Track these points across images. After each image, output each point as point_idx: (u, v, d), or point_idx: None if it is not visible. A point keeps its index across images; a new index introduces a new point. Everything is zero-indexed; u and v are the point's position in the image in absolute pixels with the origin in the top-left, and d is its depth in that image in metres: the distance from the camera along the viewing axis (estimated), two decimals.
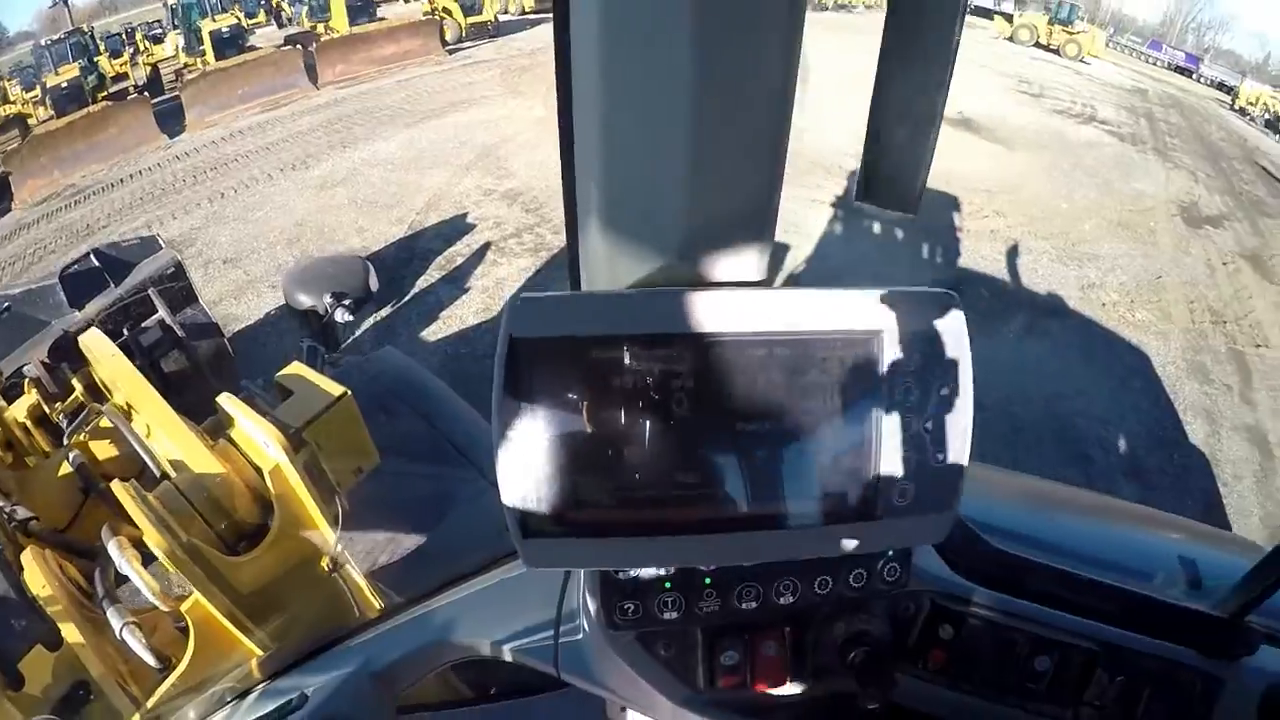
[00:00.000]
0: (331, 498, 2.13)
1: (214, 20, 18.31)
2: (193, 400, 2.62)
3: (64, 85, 15.89)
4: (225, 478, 2.08)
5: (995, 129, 13.49)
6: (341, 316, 2.97)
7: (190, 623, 1.86)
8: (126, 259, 5.34)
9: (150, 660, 1.80)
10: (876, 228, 9.12)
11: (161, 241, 5.67)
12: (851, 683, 0.96)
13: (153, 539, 1.81)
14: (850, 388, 0.74)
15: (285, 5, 24.05)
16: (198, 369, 5.06)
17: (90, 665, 1.82)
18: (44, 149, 12.55)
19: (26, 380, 3.64)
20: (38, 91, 16.35)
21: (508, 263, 7.89)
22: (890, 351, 0.75)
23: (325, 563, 2.15)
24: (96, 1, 32.22)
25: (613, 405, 0.71)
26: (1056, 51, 23.73)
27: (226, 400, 2.17)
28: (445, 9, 18.59)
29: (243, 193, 10.38)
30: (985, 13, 26.83)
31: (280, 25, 23.40)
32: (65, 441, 2.63)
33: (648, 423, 0.72)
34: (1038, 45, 24.24)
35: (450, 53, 17.29)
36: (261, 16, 23.81)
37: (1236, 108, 23.92)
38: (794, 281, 5.47)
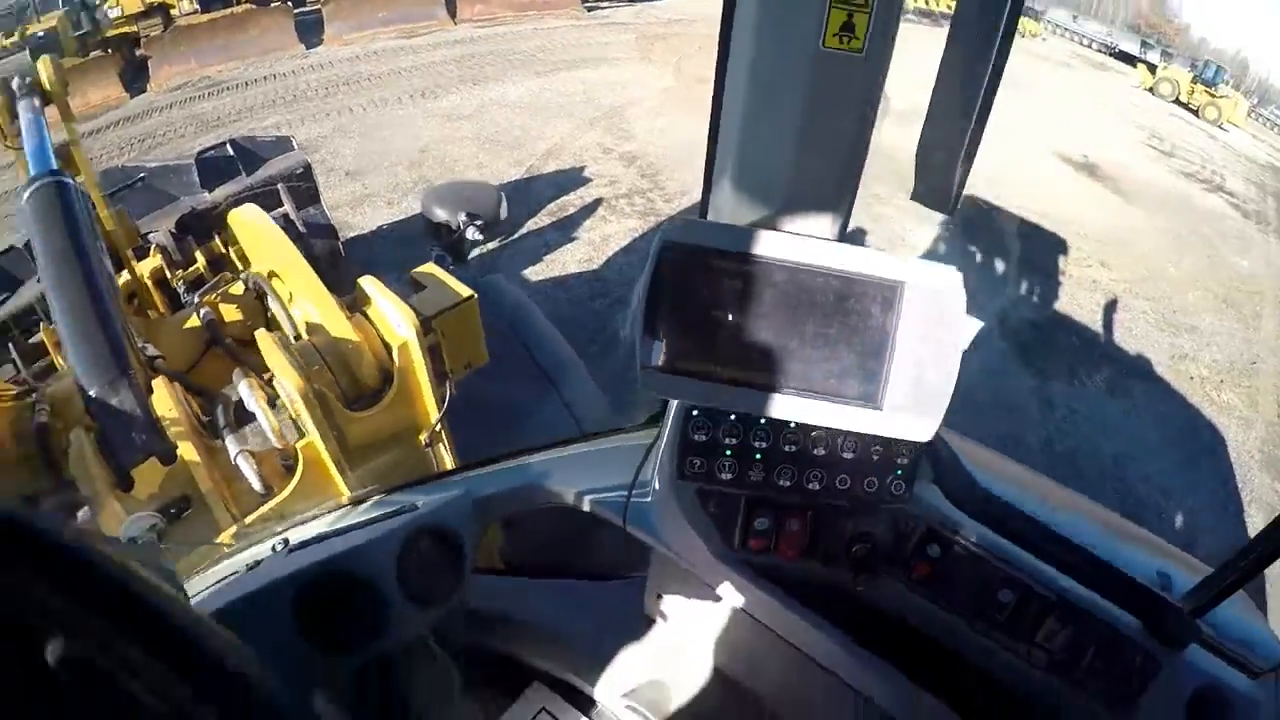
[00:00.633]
0: (443, 382, 2.37)
1: None
2: None
3: None
4: (356, 345, 2.27)
5: (1118, 179, 12.96)
6: (472, 235, 3.19)
7: (301, 461, 2.06)
8: (260, 153, 5.57)
9: (256, 485, 2.00)
10: (979, 256, 8.91)
11: (295, 143, 5.83)
12: (849, 573, 1.28)
13: (290, 379, 2.02)
14: (878, 316, 1.04)
15: None
16: (313, 264, 5.19)
17: (200, 481, 1.99)
18: (184, 40, 12.96)
19: (153, 246, 3.84)
20: None
21: (616, 221, 7.91)
22: (909, 296, 1.04)
23: (424, 436, 2.39)
24: None
25: (724, 296, 1.05)
26: (1195, 112, 22.54)
27: (368, 281, 2.36)
28: None
29: (371, 111, 10.60)
30: (1129, 59, 25.76)
31: None
32: (195, 300, 2.86)
33: (745, 311, 1.05)
34: (1177, 102, 23.09)
35: (589, 9, 17.29)
36: None
37: None
38: None
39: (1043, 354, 7.32)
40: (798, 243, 1.03)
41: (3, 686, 0.43)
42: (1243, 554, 1.14)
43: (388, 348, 2.30)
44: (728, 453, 1.20)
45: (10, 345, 4.10)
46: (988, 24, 0.99)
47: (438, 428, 2.39)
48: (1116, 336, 8.19)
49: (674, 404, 1.22)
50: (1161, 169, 15.32)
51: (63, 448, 1.93)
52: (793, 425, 1.18)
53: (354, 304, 2.40)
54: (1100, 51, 26.29)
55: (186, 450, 2.00)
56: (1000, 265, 8.85)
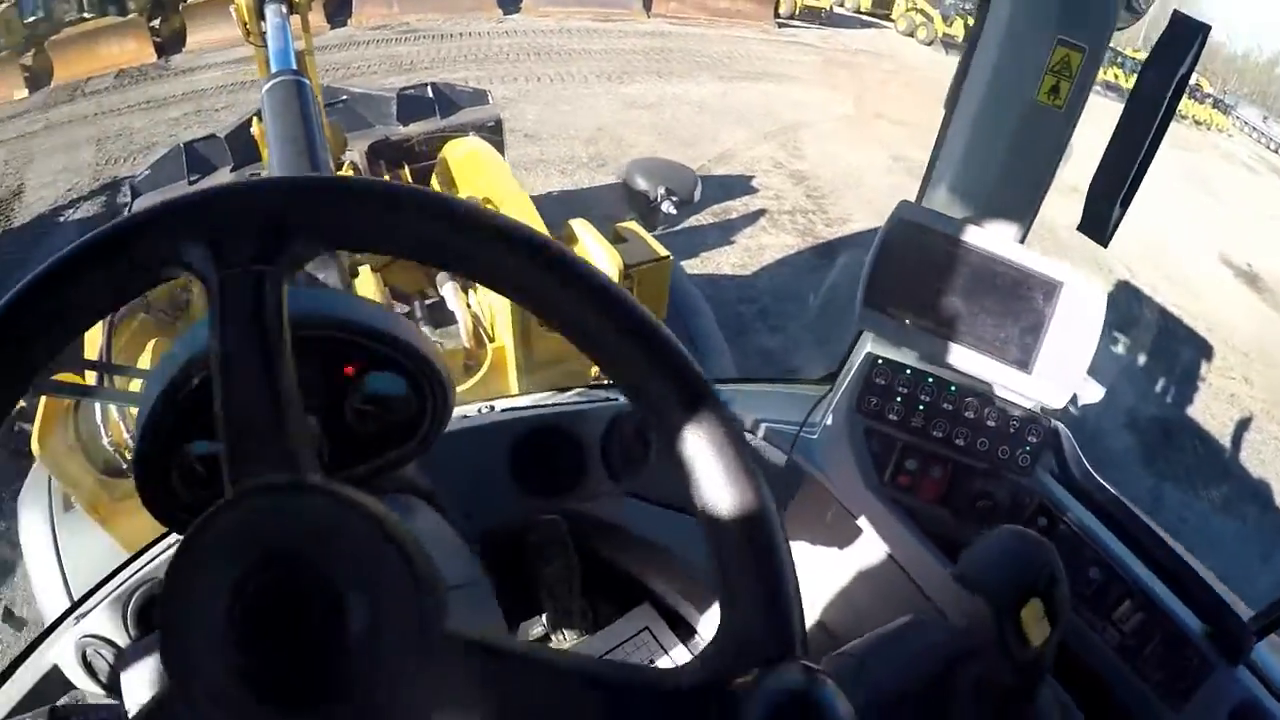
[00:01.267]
0: None
1: None
2: None
3: None
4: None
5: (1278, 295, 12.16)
6: (667, 208, 3.42)
7: (488, 363, 2.34)
8: (457, 100, 5.75)
9: None
10: (1119, 337, 8.45)
11: (491, 98, 6.00)
12: (967, 527, 1.45)
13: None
14: (1040, 303, 1.34)
15: None
16: None
17: None
18: None
19: (347, 162, 4.00)
20: None
21: (775, 234, 7.88)
22: (1065, 294, 1.32)
23: (596, 370, 2.48)
24: None
25: (930, 265, 1.37)
26: None
27: (579, 223, 2.61)
28: None
29: (557, 84, 10.86)
30: None
31: None
32: None
33: (944, 279, 1.37)
34: None
35: (779, 26, 17.25)
36: None
37: None
38: None
39: (1165, 456, 6.93)
40: (992, 238, 1.34)
41: None
42: None
43: None
44: (898, 399, 1.47)
45: None
46: (1156, 101, 1.21)
47: None
48: (1243, 456, 7.66)
49: (862, 351, 1.51)
50: None
51: None
52: (953, 387, 1.45)
53: (564, 239, 2.60)
54: None
55: None
56: (1139, 356, 8.42)
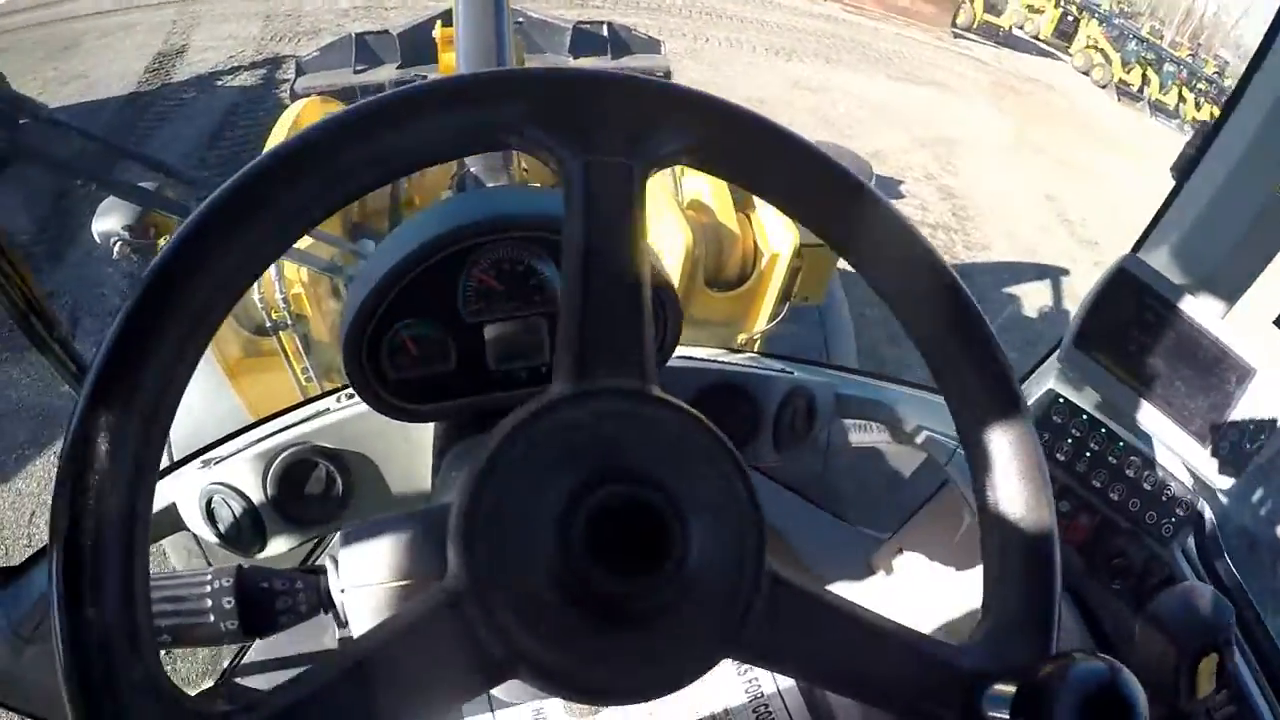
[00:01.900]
0: (782, 302, 2.63)
1: None
2: None
3: None
4: (734, 237, 2.53)
5: None
6: None
7: None
8: (630, 44, 5.79)
9: None
10: None
11: (665, 50, 5.95)
12: (1095, 580, 1.43)
13: (683, 233, 2.30)
14: (1232, 385, 1.28)
15: None
16: None
17: None
18: None
19: None
20: None
21: None
22: (1256, 382, 1.26)
23: (742, 338, 2.69)
24: None
25: (1140, 322, 1.33)
26: None
27: None
28: None
29: (723, 48, 10.80)
30: None
31: None
32: None
33: (1150, 338, 1.33)
34: None
35: (954, 36, 16.76)
36: None
37: None
38: None
39: None
40: (1201, 309, 1.29)
41: None
42: None
43: (757, 252, 2.54)
44: (1069, 440, 1.45)
45: None
46: None
47: (756, 338, 2.67)
48: None
49: (1044, 386, 1.47)
50: None
51: None
52: (1121, 444, 1.42)
53: (739, 203, 2.63)
54: None
55: None
56: None
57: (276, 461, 1.13)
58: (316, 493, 1.16)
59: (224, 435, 1.24)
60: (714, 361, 1.50)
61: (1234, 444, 1.31)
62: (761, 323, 2.65)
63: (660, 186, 2.54)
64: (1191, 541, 1.44)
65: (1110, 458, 1.45)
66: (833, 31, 13.29)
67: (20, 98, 2.37)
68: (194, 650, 2.52)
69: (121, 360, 0.44)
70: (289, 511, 1.16)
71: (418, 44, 5.03)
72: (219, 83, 8.10)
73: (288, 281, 2.30)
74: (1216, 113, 1.39)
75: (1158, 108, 16.90)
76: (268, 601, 0.79)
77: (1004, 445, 0.58)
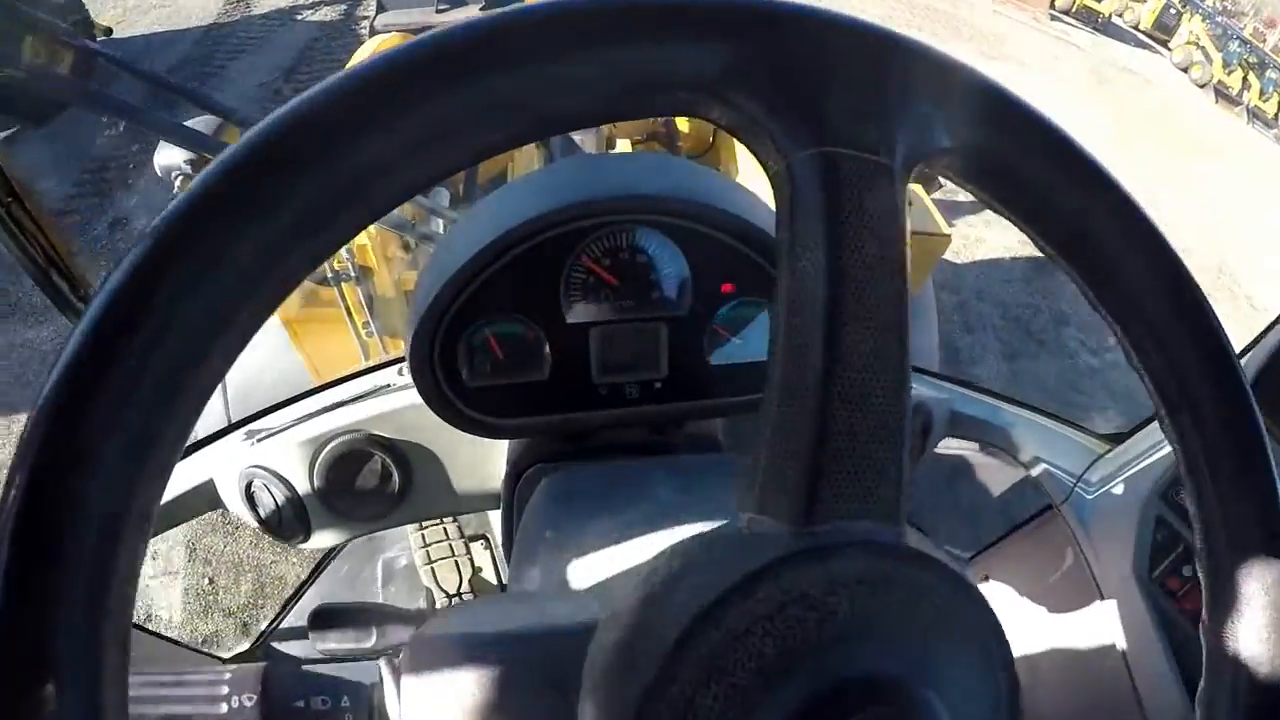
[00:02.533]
0: None
1: None
2: None
3: None
4: None
5: None
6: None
7: None
8: None
9: None
10: None
11: None
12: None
13: None
14: None
15: None
16: None
17: None
18: None
19: None
20: None
21: (999, 232, 7.35)
22: None
23: None
24: None
25: None
26: None
27: None
28: None
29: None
30: None
31: None
32: None
33: None
34: None
35: (1051, 18, 16.15)
36: None
37: None
38: None
39: None
40: None
41: None
42: None
43: None
44: None
45: None
46: None
47: None
48: None
49: None
50: None
51: None
52: None
53: None
54: None
55: None
56: None
57: (326, 450, 0.99)
58: (369, 487, 1.01)
59: (272, 404, 1.11)
60: None
61: None
62: None
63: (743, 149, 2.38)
64: None
65: None
66: (926, 4, 12.85)
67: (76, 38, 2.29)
68: None
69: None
70: (337, 505, 1.02)
71: None
72: (298, 16, 8.06)
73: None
74: None
75: (1256, 114, 16.12)
76: None
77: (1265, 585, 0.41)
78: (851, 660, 0.30)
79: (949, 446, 1.53)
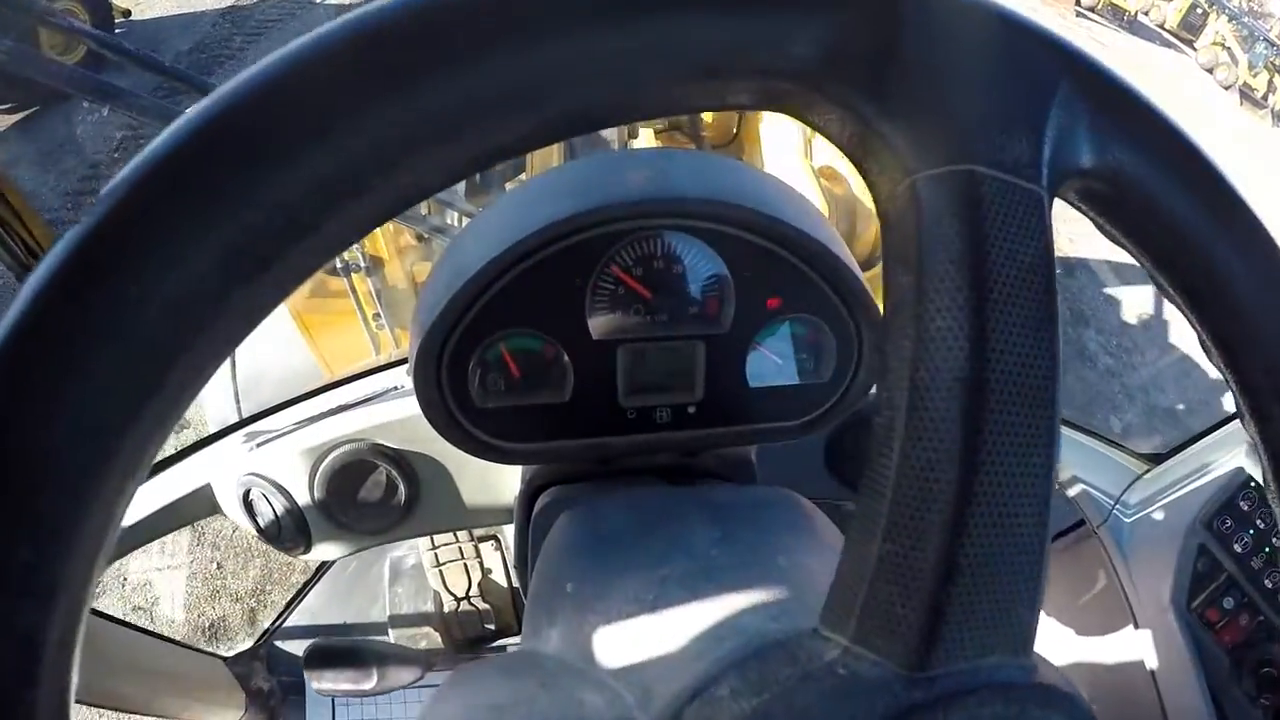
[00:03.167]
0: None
1: None
2: None
3: None
4: (867, 211, 2.33)
5: None
6: None
7: None
8: None
9: None
10: None
11: None
12: (1241, 685, 1.26)
13: (819, 202, 2.21)
14: None
15: None
16: None
17: None
18: None
19: None
20: None
21: None
22: None
23: None
24: None
25: None
26: None
27: None
28: None
29: None
30: None
31: None
32: None
33: None
34: None
35: (1077, 15, 15.97)
36: None
37: None
38: None
39: None
40: None
41: None
42: None
43: (852, 216, 2.39)
44: (1251, 531, 1.26)
45: None
46: None
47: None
48: None
49: (1233, 463, 1.27)
50: None
51: None
52: None
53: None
54: None
55: None
56: None
57: (328, 460, 0.93)
58: (373, 499, 0.95)
59: (273, 405, 1.07)
60: None
61: None
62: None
63: (790, 145, 2.27)
64: None
65: None
66: None
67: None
68: None
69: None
70: (339, 518, 0.96)
71: None
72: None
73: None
74: None
75: None
76: None
77: None
78: None
79: None
